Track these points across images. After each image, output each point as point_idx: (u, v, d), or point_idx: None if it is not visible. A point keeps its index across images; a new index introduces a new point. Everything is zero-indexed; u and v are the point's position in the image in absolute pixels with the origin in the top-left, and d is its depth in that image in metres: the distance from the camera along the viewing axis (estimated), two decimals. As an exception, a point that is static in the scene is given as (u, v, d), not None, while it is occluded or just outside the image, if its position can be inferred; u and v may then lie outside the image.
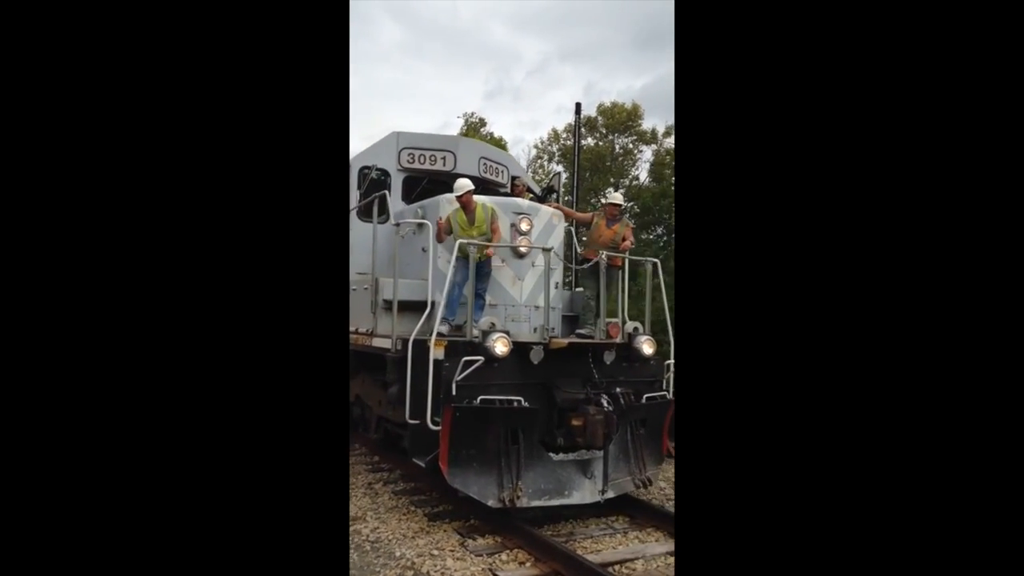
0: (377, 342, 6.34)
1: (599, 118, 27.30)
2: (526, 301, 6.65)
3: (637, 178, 27.38)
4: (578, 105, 18.37)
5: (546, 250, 6.09)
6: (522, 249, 6.51)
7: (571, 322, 7.52)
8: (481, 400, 5.40)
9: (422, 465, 5.63)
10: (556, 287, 7.21)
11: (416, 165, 7.59)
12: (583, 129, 24.35)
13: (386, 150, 7.55)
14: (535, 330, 6.66)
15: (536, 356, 5.70)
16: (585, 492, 5.72)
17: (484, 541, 5.38)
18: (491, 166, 8.02)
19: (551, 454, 5.67)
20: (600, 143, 27.36)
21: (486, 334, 5.51)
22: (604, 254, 6.36)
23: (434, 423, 5.28)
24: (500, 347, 5.45)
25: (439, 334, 5.51)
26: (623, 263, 6.90)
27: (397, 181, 7.49)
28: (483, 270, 6.19)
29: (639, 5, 56.70)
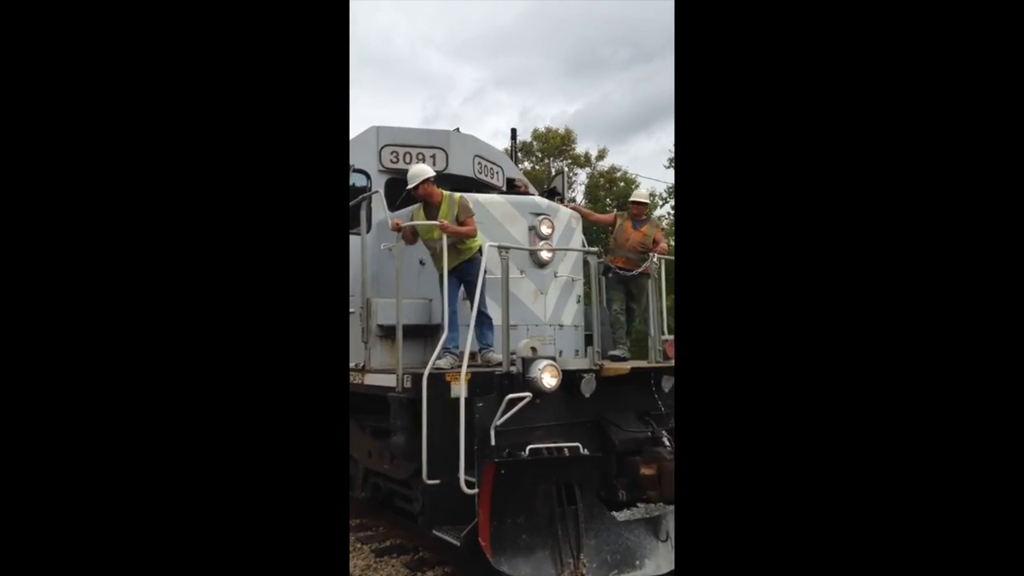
0: (372, 379, 4.93)
1: (534, 143, 28.03)
2: (550, 319, 5.42)
3: (574, 199, 27.18)
4: (514, 131, 18.22)
5: (590, 252, 4.90)
6: (544, 256, 5.31)
7: (588, 342, 6.35)
8: (530, 451, 4.13)
9: (455, 543, 4.22)
10: (578, 301, 6.03)
11: (401, 165, 6.16)
12: (520, 154, 24.52)
13: (365, 148, 6.11)
14: (560, 354, 5.45)
15: (588, 387, 4.48)
16: (660, 559, 4.45)
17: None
18: (486, 166, 6.73)
19: (613, 512, 4.43)
20: (537, 167, 27.25)
21: (528, 362, 4.24)
22: (656, 257, 5.23)
23: (468, 485, 3.95)
24: (548, 378, 4.19)
25: (453, 365, 4.28)
26: (656, 269, 5.80)
27: (379, 184, 6.08)
28: (470, 275, 4.73)
29: (571, 34, 57.84)
